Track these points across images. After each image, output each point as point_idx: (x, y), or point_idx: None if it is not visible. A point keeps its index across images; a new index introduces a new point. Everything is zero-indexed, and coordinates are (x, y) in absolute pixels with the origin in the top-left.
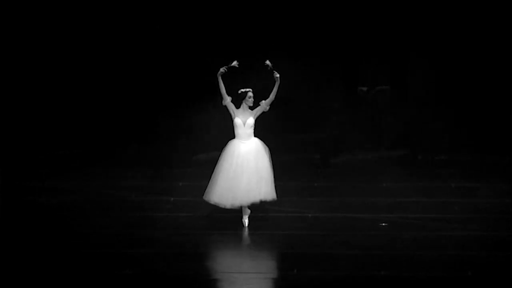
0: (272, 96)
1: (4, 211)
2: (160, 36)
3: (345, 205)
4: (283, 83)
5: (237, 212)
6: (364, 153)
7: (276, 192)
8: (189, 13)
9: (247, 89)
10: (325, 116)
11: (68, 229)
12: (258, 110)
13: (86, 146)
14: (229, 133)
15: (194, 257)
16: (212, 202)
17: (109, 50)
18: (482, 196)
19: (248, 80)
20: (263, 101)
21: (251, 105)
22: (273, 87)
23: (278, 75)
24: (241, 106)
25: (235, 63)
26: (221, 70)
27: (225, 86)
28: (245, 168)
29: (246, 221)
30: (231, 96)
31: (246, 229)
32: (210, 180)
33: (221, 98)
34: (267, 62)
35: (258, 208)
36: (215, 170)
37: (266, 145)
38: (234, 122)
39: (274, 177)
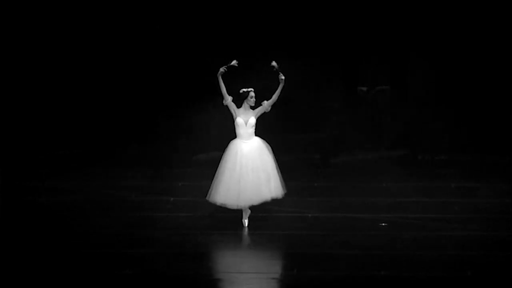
0: (274, 97)
1: (4, 211)
2: (160, 36)
3: (345, 205)
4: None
5: (237, 212)
6: (364, 153)
7: (284, 187)
8: (189, 13)
9: (249, 89)
10: (325, 116)
11: (68, 229)
12: (259, 110)
13: (86, 146)
14: (229, 133)
15: (194, 257)
16: (218, 204)
17: (109, 50)
18: (482, 196)
19: (248, 80)
20: (265, 102)
21: (253, 105)
22: (277, 88)
23: (283, 77)
24: (243, 106)
25: (234, 62)
26: (221, 70)
27: (225, 86)
28: (251, 167)
29: (246, 221)
30: (231, 96)
31: (246, 229)
32: (213, 181)
33: (222, 98)
34: (274, 63)
35: (258, 208)
36: (218, 170)
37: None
38: (235, 121)
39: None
